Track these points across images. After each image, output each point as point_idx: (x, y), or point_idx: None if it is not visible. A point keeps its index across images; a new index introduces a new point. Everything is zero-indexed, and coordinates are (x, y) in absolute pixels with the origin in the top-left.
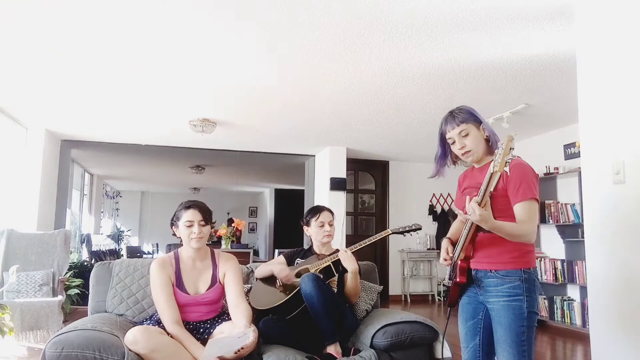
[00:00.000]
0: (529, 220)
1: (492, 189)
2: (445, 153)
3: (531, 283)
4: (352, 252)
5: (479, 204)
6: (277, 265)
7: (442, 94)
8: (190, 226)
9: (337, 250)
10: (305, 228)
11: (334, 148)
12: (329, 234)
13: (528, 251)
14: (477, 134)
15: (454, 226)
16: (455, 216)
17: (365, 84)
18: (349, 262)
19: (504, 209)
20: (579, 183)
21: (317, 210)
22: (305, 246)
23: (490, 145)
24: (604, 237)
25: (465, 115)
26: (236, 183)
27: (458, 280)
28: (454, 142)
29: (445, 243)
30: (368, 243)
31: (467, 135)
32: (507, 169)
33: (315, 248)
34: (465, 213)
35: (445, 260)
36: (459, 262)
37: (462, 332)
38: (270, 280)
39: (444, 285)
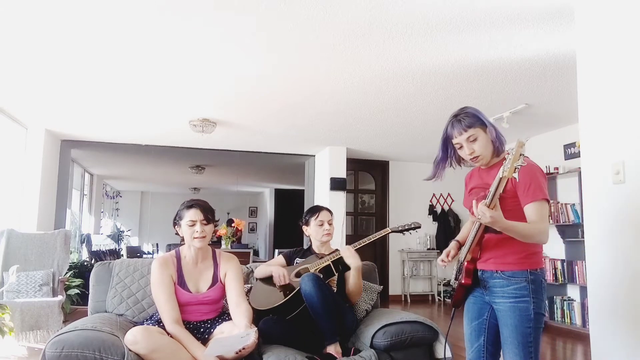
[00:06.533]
0: (540, 220)
1: (501, 192)
2: (446, 156)
3: (537, 284)
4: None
5: (488, 207)
6: (275, 267)
7: (442, 94)
8: (192, 225)
9: (337, 250)
10: (304, 228)
11: (334, 148)
12: (329, 232)
13: (534, 252)
14: (485, 138)
15: (464, 228)
16: (455, 216)
17: (365, 84)
18: (352, 259)
19: (513, 209)
20: (579, 183)
21: (316, 209)
22: (305, 246)
23: (497, 146)
24: (604, 237)
25: (472, 120)
26: (236, 183)
27: (463, 282)
28: (461, 147)
29: (451, 245)
30: (368, 242)
31: (475, 140)
32: (515, 175)
33: (315, 248)
34: (473, 214)
35: (443, 261)
36: (465, 263)
37: (467, 332)
38: (270, 280)
39: (450, 285)
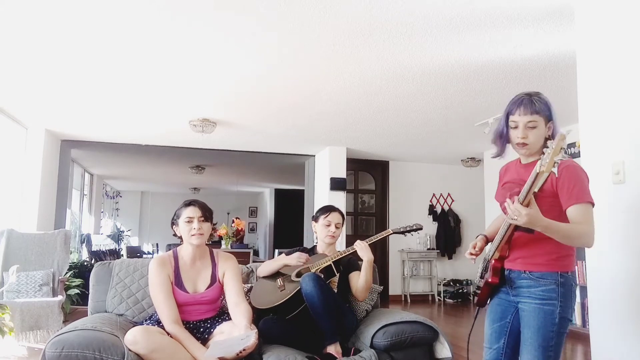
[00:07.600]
0: (586, 222)
1: (535, 190)
2: (508, 132)
3: (567, 288)
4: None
5: (522, 204)
6: (287, 257)
7: (442, 94)
8: (190, 222)
9: (338, 251)
10: (313, 223)
11: (334, 148)
12: (333, 235)
13: (567, 255)
14: (543, 130)
15: (494, 223)
16: (455, 216)
17: (365, 84)
18: (365, 252)
19: (549, 210)
20: None
21: (328, 209)
22: (307, 246)
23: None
24: (604, 237)
25: (543, 107)
26: (236, 183)
27: (490, 280)
28: (516, 127)
29: (477, 238)
30: (369, 243)
31: (534, 127)
32: (555, 169)
33: (319, 248)
34: (504, 208)
35: (471, 254)
36: (493, 261)
37: (488, 332)
38: (271, 279)
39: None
